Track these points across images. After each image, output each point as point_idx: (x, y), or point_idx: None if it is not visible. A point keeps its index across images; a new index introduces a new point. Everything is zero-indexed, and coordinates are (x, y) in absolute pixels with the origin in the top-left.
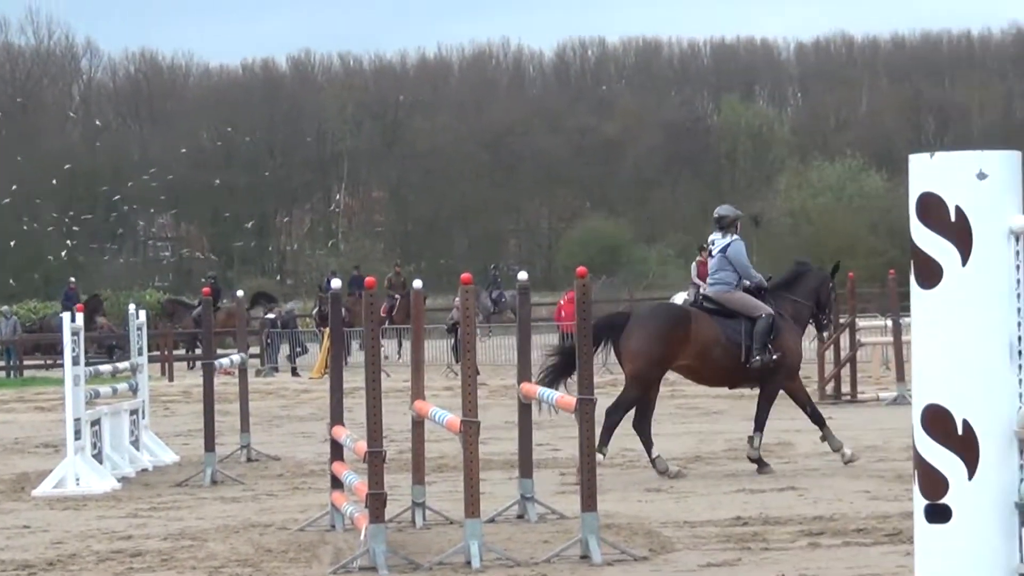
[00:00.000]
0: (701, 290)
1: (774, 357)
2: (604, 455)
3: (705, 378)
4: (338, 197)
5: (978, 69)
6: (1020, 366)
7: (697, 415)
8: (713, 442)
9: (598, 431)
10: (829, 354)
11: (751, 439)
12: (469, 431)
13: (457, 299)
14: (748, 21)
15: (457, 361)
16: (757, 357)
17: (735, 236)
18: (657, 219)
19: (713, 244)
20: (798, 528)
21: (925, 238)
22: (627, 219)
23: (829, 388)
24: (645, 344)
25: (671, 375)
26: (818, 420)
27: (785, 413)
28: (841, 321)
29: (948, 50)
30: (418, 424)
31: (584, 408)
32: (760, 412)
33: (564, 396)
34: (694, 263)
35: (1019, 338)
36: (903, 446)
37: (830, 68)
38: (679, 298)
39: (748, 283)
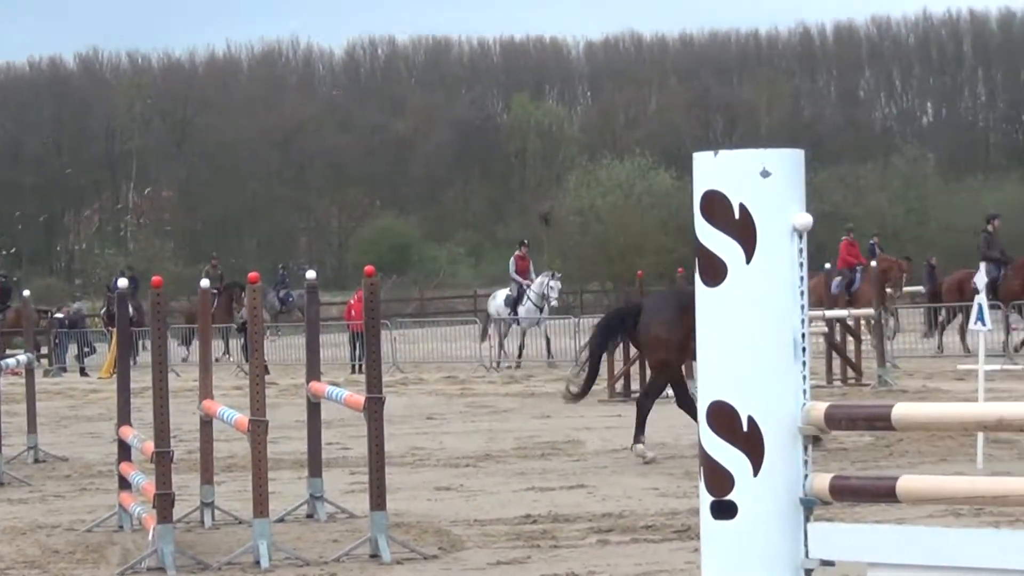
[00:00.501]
0: (525, 286)
1: None
2: (643, 444)
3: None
4: (127, 196)
5: (766, 68)
6: (804, 363)
7: (487, 413)
8: (503, 440)
9: (389, 429)
10: (619, 351)
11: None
12: (257, 430)
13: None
14: (538, 20)
15: (247, 360)
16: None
17: None
18: (447, 217)
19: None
20: (587, 526)
21: (709, 236)
22: (417, 218)
23: (619, 386)
24: (664, 331)
25: None
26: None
27: (575, 411)
28: None
29: (736, 49)
30: (206, 423)
31: (372, 407)
32: None
33: (352, 395)
34: (512, 259)
35: (802, 335)
36: (692, 443)
37: (619, 67)
38: (501, 295)
39: None
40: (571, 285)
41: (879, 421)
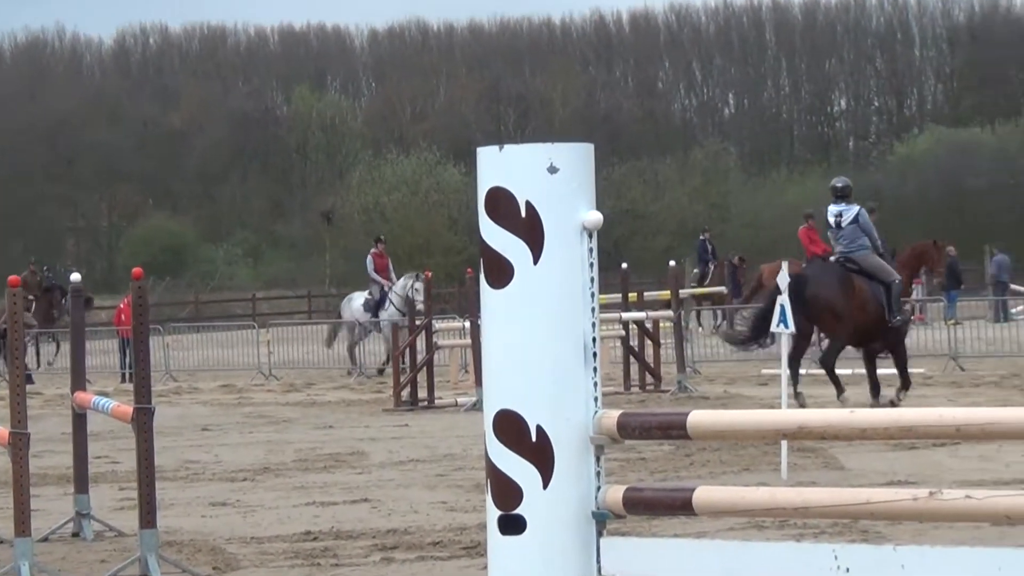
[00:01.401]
0: (387, 288)
1: (907, 318)
2: (846, 394)
3: (852, 333)
4: None
5: (559, 57)
6: (595, 369)
7: (266, 424)
8: (283, 452)
9: (161, 442)
10: (405, 357)
11: (899, 396)
12: (18, 443)
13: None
14: (319, 7)
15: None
16: (898, 316)
17: (857, 206)
18: (224, 216)
19: (841, 215)
20: (371, 542)
21: (495, 235)
22: (192, 216)
23: (405, 393)
24: (838, 297)
25: None
26: (906, 384)
27: (360, 421)
28: (417, 323)
29: (528, 38)
30: None
31: (141, 418)
32: (902, 370)
33: (120, 405)
34: (369, 257)
35: (593, 339)
36: (482, 454)
37: (405, 57)
38: (358, 298)
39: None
40: (355, 287)
41: (674, 430)
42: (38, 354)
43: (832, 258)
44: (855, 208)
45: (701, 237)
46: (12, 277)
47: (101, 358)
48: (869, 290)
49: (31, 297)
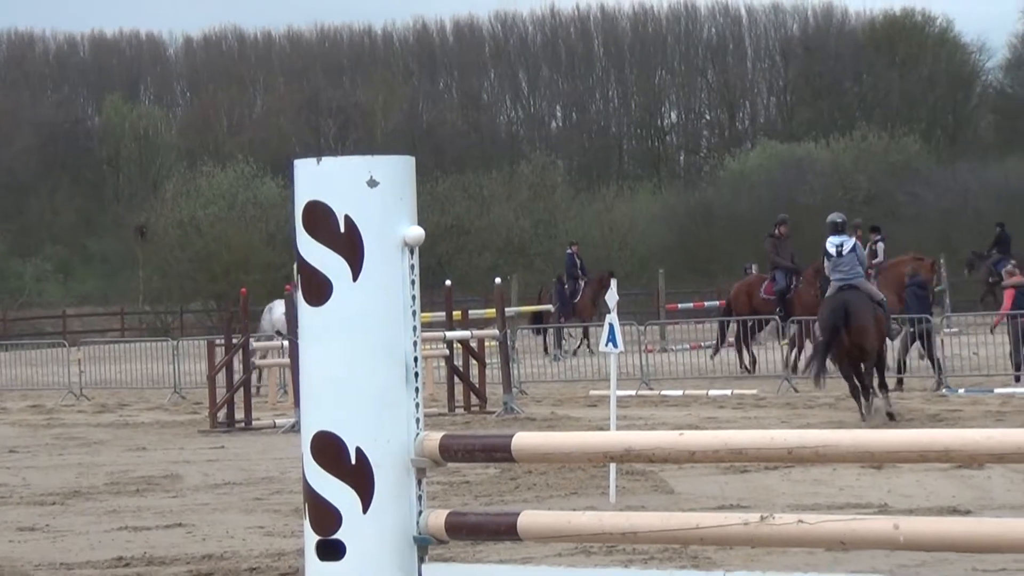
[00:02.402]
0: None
1: (898, 333)
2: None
3: (869, 352)
4: None
5: (381, 67)
6: (417, 389)
7: (76, 446)
8: (94, 475)
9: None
10: (221, 377)
11: (888, 403)
12: None
13: None
14: (131, 14)
15: None
16: (894, 327)
17: (853, 238)
18: (33, 230)
19: (842, 246)
20: (185, 568)
21: (313, 251)
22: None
23: (221, 415)
24: (873, 324)
25: None
26: (885, 385)
27: (173, 443)
28: (234, 341)
29: (349, 47)
30: None
31: None
32: (882, 376)
33: None
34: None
35: (415, 359)
36: (300, 477)
37: (221, 66)
38: (279, 307)
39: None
40: (170, 304)
41: (498, 452)
42: None
43: (835, 283)
44: (852, 240)
45: (569, 251)
46: None
47: None
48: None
49: None
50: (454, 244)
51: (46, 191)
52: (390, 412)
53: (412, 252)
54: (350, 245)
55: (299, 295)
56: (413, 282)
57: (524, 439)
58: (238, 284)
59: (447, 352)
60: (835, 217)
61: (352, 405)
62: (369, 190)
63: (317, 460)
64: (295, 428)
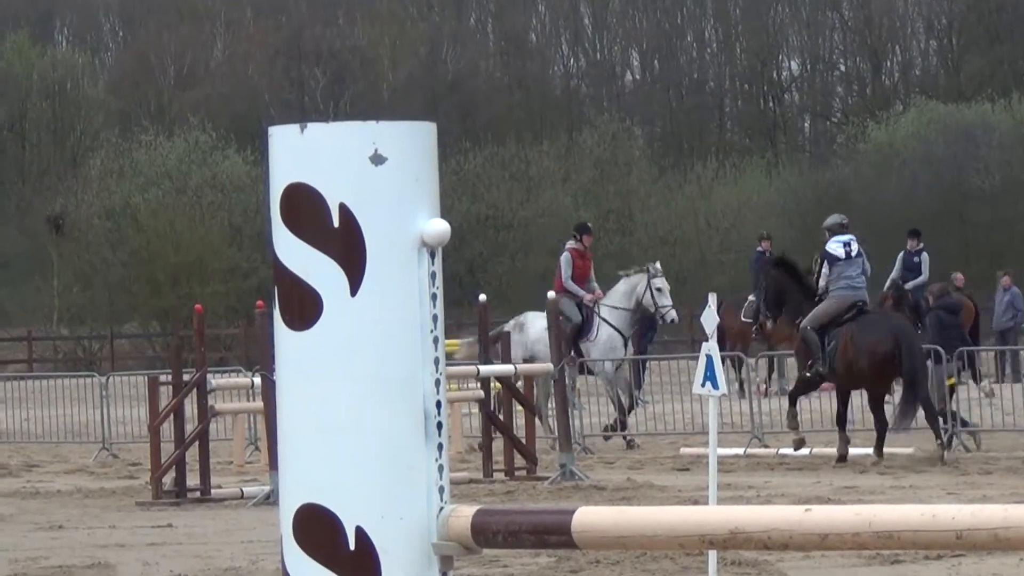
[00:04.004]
0: (592, 299)
1: None
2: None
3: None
4: None
5: None
6: (439, 446)
7: None
8: None
9: None
10: (166, 428)
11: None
12: None
13: None
14: None
15: None
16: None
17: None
18: None
19: (850, 245)
20: None
21: (294, 253)
22: None
23: (168, 480)
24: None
25: None
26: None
27: (101, 520)
28: (185, 379)
29: None
30: None
31: None
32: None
33: None
34: (565, 253)
35: (437, 403)
36: (278, 568)
37: None
38: (537, 322)
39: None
40: (96, 326)
41: (553, 535)
42: None
43: (848, 294)
44: (856, 243)
45: (759, 248)
46: None
47: None
48: None
49: None
50: (491, 243)
51: None
52: (403, 478)
53: (433, 255)
54: (347, 245)
55: (275, 314)
56: (435, 296)
57: (589, 517)
58: (191, 298)
59: (482, 394)
60: (840, 219)
61: (350, 468)
62: (373, 168)
63: (301, 544)
64: (271, 500)
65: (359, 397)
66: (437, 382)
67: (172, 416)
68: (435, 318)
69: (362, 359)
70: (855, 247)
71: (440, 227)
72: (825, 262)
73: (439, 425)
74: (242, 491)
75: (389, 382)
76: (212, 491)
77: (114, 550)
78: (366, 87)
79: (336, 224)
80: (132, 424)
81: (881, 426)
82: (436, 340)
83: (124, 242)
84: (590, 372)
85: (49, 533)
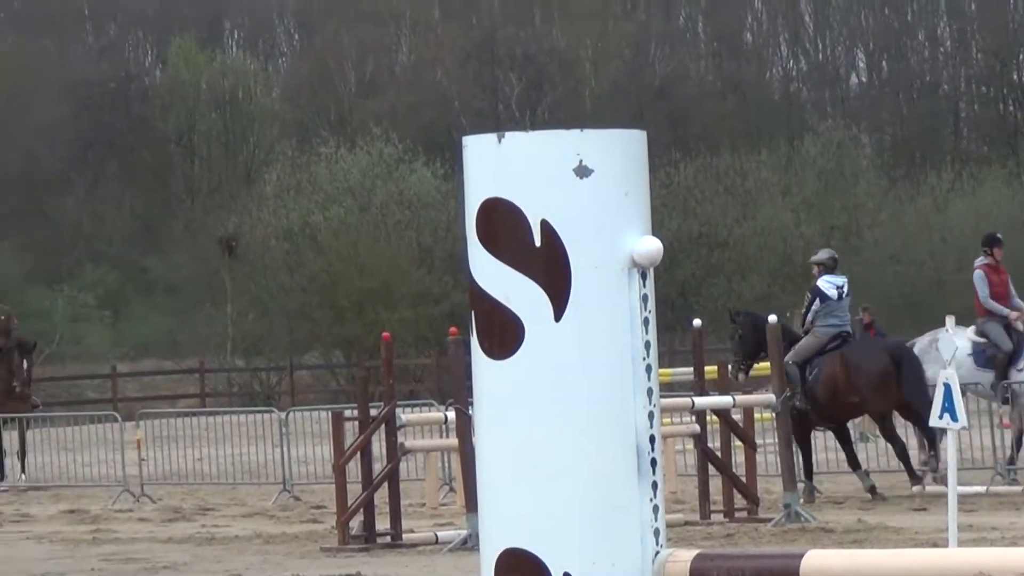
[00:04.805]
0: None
1: None
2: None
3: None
4: None
5: None
6: (654, 484)
7: (136, 572)
8: None
9: None
10: (352, 468)
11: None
12: None
13: None
14: None
15: None
16: None
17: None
18: (64, 245)
19: (843, 288)
20: None
21: (492, 275)
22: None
23: (356, 524)
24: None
25: None
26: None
27: (283, 567)
28: (372, 414)
29: None
30: None
31: None
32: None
33: None
34: (978, 272)
35: (650, 439)
36: None
37: None
38: (958, 338)
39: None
40: (274, 357)
41: None
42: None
43: (829, 331)
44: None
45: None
46: None
47: None
48: None
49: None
50: (704, 263)
51: (83, 185)
52: (614, 520)
53: (645, 276)
54: (549, 266)
55: (472, 341)
56: (647, 321)
57: (819, 561)
58: (377, 325)
59: (697, 428)
60: (833, 254)
61: (556, 509)
62: (578, 181)
63: None
64: (468, 544)
65: (565, 432)
66: (650, 415)
67: (359, 455)
68: (647, 344)
69: (568, 390)
70: (847, 289)
71: (652, 246)
72: (817, 299)
73: (653, 462)
74: (436, 535)
75: (598, 415)
76: (404, 536)
77: None
78: (565, 93)
79: (538, 243)
80: (315, 463)
81: (900, 448)
82: (648, 369)
83: (303, 265)
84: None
85: None
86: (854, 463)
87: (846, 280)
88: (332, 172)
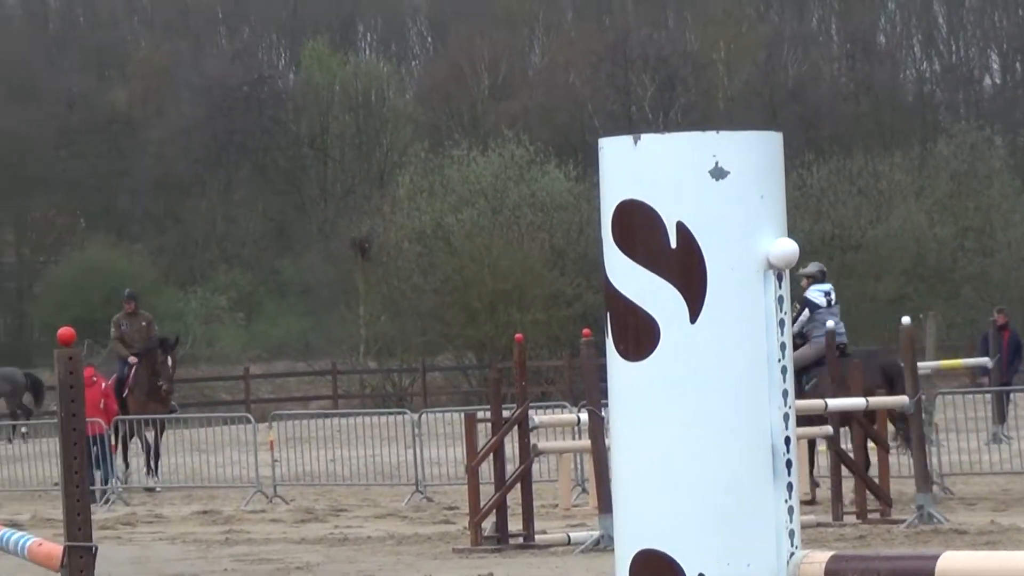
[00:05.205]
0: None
1: None
2: None
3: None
4: None
5: None
6: (789, 486)
7: (270, 573)
8: None
9: None
10: (484, 469)
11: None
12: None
13: None
14: None
15: None
16: None
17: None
18: (197, 247)
19: (831, 294)
20: None
21: (628, 277)
22: (147, 247)
23: (488, 525)
24: None
25: None
26: None
27: (417, 567)
28: (504, 415)
29: None
30: None
31: (76, 562)
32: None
33: (43, 543)
34: None
35: (786, 440)
36: None
37: None
38: None
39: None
40: (407, 359)
41: None
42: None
43: (823, 339)
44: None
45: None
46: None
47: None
48: None
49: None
50: (837, 265)
51: (216, 187)
52: (749, 521)
53: (780, 278)
54: (685, 267)
55: (608, 343)
56: (782, 323)
57: (955, 562)
58: (509, 327)
59: (830, 430)
60: (821, 266)
61: (691, 510)
62: (714, 183)
63: None
64: (600, 545)
65: (700, 433)
66: (785, 416)
67: (491, 456)
68: (783, 346)
69: (704, 391)
70: (834, 296)
71: (788, 247)
72: (806, 309)
73: (788, 463)
74: (568, 537)
75: (733, 416)
76: (536, 537)
77: None
78: (698, 95)
79: (674, 244)
80: (447, 465)
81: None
82: (784, 370)
83: (436, 267)
84: None
85: None
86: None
87: (832, 288)
88: (464, 174)
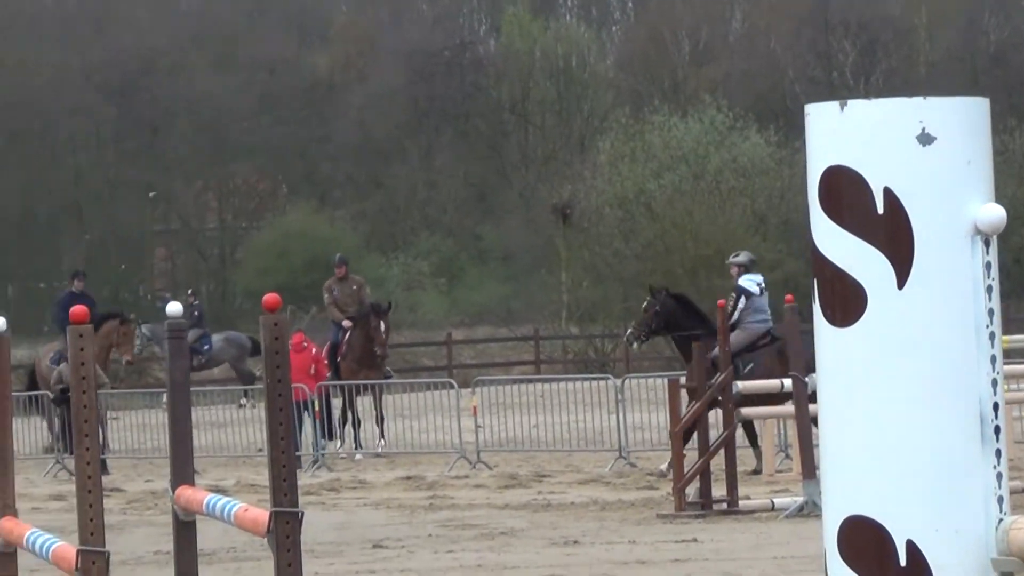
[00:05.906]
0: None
1: None
2: None
3: None
4: None
5: None
6: (998, 452)
7: (474, 538)
8: None
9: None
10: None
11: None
12: (91, 568)
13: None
14: None
15: (67, 449)
16: None
17: None
18: (399, 213)
19: (762, 284)
20: None
21: (835, 243)
22: (349, 213)
23: (691, 491)
24: None
25: None
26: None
27: (620, 533)
28: (710, 381)
29: None
30: (5, 555)
31: (282, 528)
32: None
33: (249, 508)
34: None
35: (994, 406)
36: None
37: None
38: None
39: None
40: (609, 324)
41: None
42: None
43: (759, 326)
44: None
45: None
46: (77, 308)
47: (229, 432)
48: None
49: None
50: None
51: (417, 153)
52: (958, 488)
53: (988, 244)
54: (893, 233)
55: (815, 309)
56: (990, 289)
57: None
58: (711, 293)
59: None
60: (751, 256)
61: (900, 477)
62: (921, 149)
63: (847, 560)
64: (804, 511)
65: (908, 399)
66: (994, 382)
67: (696, 423)
68: (991, 312)
69: (911, 357)
70: (763, 284)
71: (995, 213)
72: (742, 296)
73: (996, 429)
74: (772, 502)
75: (941, 382)
76: (740, 502)
77: (634, 567)
78: (899, 61)
79: (881, 210)
80: (650, 430)
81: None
82: (992, 336)
83: (637, 233)
84: None
85: (563, 549)
86: (754, 441)
87: (762, 277)
88: (665, 140)
